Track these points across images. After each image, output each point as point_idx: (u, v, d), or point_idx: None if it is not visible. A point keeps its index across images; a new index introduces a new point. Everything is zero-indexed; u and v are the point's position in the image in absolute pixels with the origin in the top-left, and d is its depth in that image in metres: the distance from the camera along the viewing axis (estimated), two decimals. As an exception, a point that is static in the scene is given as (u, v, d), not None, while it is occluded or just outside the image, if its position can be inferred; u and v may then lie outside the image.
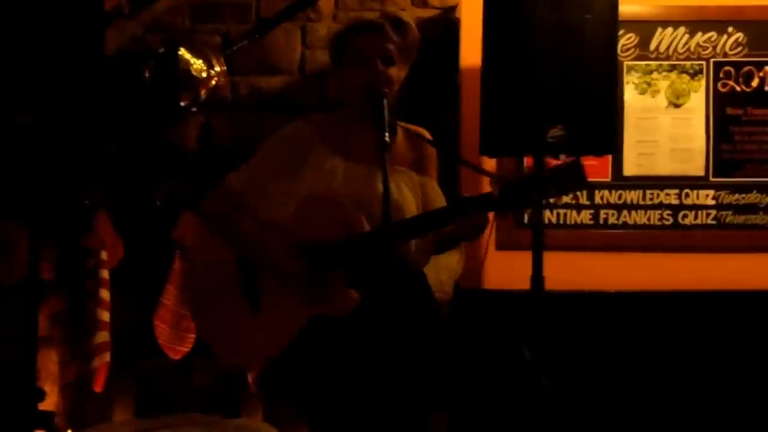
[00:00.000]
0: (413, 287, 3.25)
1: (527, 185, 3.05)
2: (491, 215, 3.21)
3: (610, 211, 5.07)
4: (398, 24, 3.30)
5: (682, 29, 5.06)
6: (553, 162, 3.99)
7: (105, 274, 4.64)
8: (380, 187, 3.02)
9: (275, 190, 3.26)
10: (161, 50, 4.73)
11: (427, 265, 3.34)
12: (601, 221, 5.07)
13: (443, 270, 3.52)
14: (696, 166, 5.06)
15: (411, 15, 4.78)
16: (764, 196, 5.05)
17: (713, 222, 5.06)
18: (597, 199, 5.06)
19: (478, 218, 3.13)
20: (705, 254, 5.01)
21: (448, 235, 3.28)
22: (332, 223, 3.12)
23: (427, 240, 3.24)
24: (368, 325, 3.02)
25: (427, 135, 3.44)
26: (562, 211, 5.05)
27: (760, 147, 5.07)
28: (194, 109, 4.76)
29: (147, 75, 4.69)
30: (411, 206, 3.24)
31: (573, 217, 5.07)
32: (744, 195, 5.05)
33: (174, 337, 4.72)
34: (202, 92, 4.70)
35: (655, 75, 5.06)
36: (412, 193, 3.28)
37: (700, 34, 5.06)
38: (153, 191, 4.76)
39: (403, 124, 3.40)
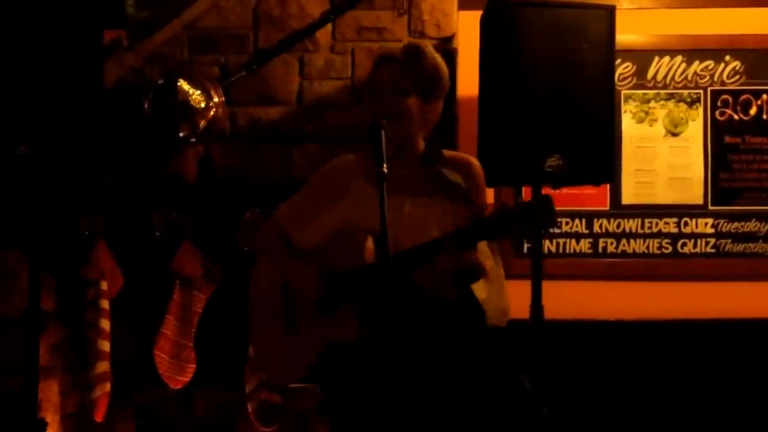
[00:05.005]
0: (431, 315, 3.23)
1: (495, 223, 3.06)
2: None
3: (609, 240, 5.07)
4: (413, 52, 3.30)
5: (679, 58, 5.08)
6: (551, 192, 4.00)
7: (105, 304, 4.65)
8: (405, 217, 3.10)
9: (315, 220, 3.34)
10: (160, 82, 4.75)
11: (490, 295, 3.39)
12: (600, 250, 5.08)
13: (502, 297, 3.57)
14: (694, 195, 5.07)
15: (409, 45, 4.80)
16: (763, 224, 5.05)
17: (712, 250, 5.06)
18: (596, 228, 5.07)
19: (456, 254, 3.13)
20: (704, 282, 5.01)
21: (455, 268, 3.26)
22: (348, 254, 3.18)
23: (439, 270, 3.21)
24: (381, 353, 3.03)
25: (475, 164, 3.43)
26: (560, 240, 5.06)
27: (758, 175, 5.09)
28: (193, 140, 4.77)
29: (146, 106, 4.70)
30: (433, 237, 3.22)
31: (572, 245, 5.08)
32: (743, 223, 5.05)
33: (174, 367, 4.73)
34: (201, 123, 4.70)
35: (652, 104, 5.08)
36: (439, 225, 3.24)
37: (697, 62, 5.08)
38: (152, 222, 4.77)
39: (449, 152, 3.41)
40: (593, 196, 5.01)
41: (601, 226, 5.07)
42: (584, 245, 5.08)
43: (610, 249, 5.08)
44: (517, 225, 3.05)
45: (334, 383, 3.26)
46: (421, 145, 3.37)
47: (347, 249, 3.19)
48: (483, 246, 3.39)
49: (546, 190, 4.15)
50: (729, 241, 5.06)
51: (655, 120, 5.08)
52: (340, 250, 3.21)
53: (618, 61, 4.80)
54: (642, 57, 5.10)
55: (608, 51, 4.22)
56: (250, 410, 4.62)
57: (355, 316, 3.13)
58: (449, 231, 3.13)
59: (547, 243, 4.95)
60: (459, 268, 3.17)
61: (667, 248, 5.07)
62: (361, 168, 3.35)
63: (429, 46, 3.38)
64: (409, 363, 3.03)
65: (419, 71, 3.29)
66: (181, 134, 4.71)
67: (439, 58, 3.36)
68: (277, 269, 3.38)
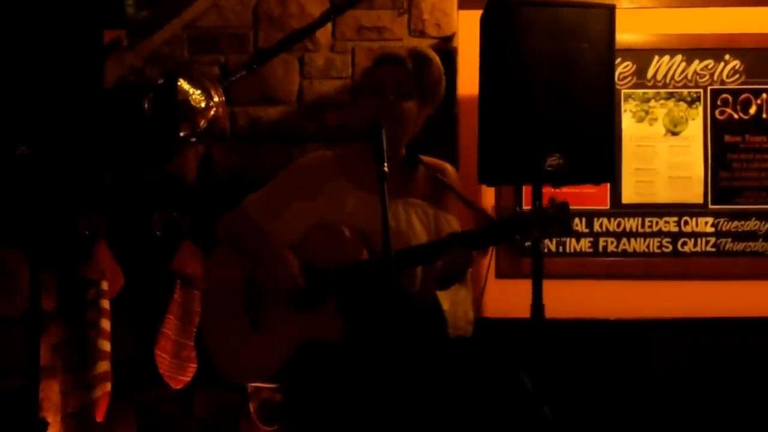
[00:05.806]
0: (415, 317, 3.23)
1: (510, 226, 3.07)
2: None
3: (609, 239, 5.07)
4: (420, 59, 3.30)
5: (678, 57, 5.08)
6: (551, 191, 4.01)
7: (105, 304, 4.64)
8: (390, 216, 3.07)
9: (288, 214, 3.29)
10: (160, 81, 4.74)
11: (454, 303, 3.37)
12: (601, 249, 5.07)
13: (460, 306, 3.53)
14: (694, 194, 5.07)
15: (408, 44, 4.79)
16: (763, 223, 5.05)
17: (712, 249, 5.06)
18: (596, 227, 5.07)
19: (462, 255, 3.13)
20: (704, 281, 5.01)
21: (442, 270, 3.25)
22: (332, 250, 3.15)
23: (432, 272, 3.22)
24: (363, 352, 3.04)
25: (450, 169, 3.43)
26: (561, 239, 5.06)
27: (758, 174, 5.08)
28: (193, 140, 4.77)
29: (146, 106, 4.70)
30: (419, 238, 3.23)
31: (572, 244, 5.08)
32: (743, 222, 5.05)
33: (175, 366, 4.73)
34: (201, 122, 4.70)
35: (652, 103, 5.08)
36: (423, 225, 3.28)
37: (697, 61, 5.08)
38: (152, 222, 4.77)
39: (425, 157, 3.41)
40: (593, 195, 5.01)
41: (601, 225, 5.07)
42: (584, 244, 5.08)
43: (611, 248, 5.07)
44: (532, 230, 3.06)
45: (326, 384, 3.19)
46: (403, 149, 3.37)
47: (330, 246, 3.16)
48: None
49: (546, 189, 4.17)
50: (729, 240, 5.06)
51: (655, 119, 5.08)
52: (320, 247, 3.18)
53: (618, 60, 4.80)
54: (642, 56, 5.09)
55: (608, 50, 4.23)
56: (251, 409, 4.63)
57: (338, 315, 3.10)
58: (457, 232, 3.14)
59: (547, 242, 4.95)
60: (456, 270, 3.19)
61: (667, 247, 5.07)
62: (340, 166, 3.34)
63: (434, 53, 3.38)
64: (404, 365, 3.03)
65: (425, 77, 3.29)
66: (181, 134, 4.71)
67: (441, 69, 3.37)
68: (239, 262, 3.32)
